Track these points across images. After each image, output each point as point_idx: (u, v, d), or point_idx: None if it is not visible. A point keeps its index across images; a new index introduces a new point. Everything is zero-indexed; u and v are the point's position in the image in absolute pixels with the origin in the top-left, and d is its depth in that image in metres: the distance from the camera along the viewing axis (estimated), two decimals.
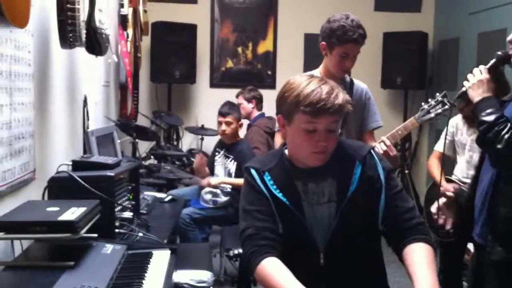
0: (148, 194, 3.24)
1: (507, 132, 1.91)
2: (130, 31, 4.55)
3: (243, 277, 3.59)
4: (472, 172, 3.18)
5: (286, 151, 1.84)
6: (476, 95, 2.06)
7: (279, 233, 1.72)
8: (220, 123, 4.07)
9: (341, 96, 1.68)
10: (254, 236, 1.71)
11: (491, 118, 1.97)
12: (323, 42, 2.75)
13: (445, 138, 3.06)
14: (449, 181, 3.31)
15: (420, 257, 1.66)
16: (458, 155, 3.34)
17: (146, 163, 4.55)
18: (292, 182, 1.76)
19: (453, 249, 3.27)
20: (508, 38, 2.03)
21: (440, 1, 6.40)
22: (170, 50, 5.82)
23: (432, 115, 2.71)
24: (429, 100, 2.72)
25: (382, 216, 1.74)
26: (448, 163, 3.44)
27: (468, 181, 3.19)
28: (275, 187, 1.75)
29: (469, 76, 2.10)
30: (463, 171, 3.29)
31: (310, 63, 5.41)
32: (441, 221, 2.89)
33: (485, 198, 2.11)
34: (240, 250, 3.26)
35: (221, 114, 4.08)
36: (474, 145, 3.18)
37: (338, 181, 1.74)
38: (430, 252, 1.69)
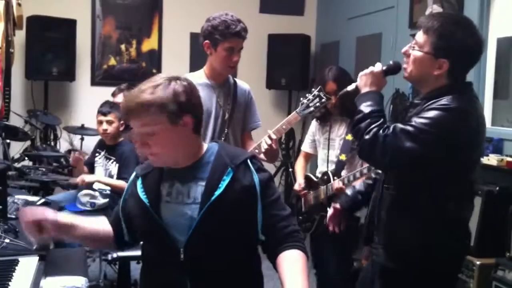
0: (19, 198, 3.02)
1: (377, 126, 1.96)
2: (1, 25, 4.24)
3: (123, 280, 3.48)
4: (324, 169, 3.34)
5: None
6: (363, 85, 2.10)
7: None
8: (100, 122, 3.88)
9: (142, 97, 1.62)
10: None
11: (367, 109, 2.01)
12: (206, 41, 2.73)
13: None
14: (306, 177, 3.47)
15: (292, 264, 1.68)
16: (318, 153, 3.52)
17: (19, 165, 4.26)
18: (158, 185, 1.78)
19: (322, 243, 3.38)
20: (403, 50, 2.09)
21: (321, 5, 6.62)
22: (47, 46, 5.53)
23: (312, 108, 2.78)
24: (307, 94, 2.79)
25: (261, 226, 1.75)
26: (313, 160, 3.64)
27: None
28: (142, 189, 1.79)
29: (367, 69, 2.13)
30: (319, 167, 3.45)
31: (196, 62, 5.36)
32: None
33: (375, 201, 2.19)
34: (119, 254, 3.20)
35: (102, 113, 3.88)
36: (327, 143, 3.34)
37: (206, 184, 1.73)
38: (302, 259, 1.70)
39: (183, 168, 1.76)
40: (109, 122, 3.86)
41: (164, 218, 1.74)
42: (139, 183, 1.81)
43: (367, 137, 1.95)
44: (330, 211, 2.59)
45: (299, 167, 3.60)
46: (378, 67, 2.11)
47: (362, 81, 2.11)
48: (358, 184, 2.60)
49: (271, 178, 1.82)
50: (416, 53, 2.02)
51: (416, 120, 1.93)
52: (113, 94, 4.72)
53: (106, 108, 3.91)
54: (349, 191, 2.58)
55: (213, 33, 2.68)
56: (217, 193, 1.69)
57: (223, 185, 1.70)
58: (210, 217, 1.69)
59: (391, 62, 2.15)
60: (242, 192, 1.72)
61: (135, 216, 1.82)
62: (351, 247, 3.34)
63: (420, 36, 2.01)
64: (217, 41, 2.69)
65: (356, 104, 2.10)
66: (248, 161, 1.77)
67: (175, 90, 1.63)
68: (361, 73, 2.14)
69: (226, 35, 2.66)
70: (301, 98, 2.84)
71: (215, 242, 1.71)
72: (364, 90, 2.09)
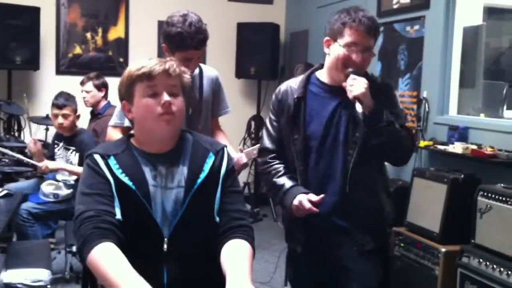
0: None
1: (402, 125, 2.17)
2: None
3: (88, 272, 3.41)
4: None
5: (132, 140, 1.78)
6: (370, 100, 2.08)
7: (118, 219, 1.63)
8: (55, 115, 3.75)
9: (175, 63, 1.72)
10: (95, 218, 1.59)
11: (392, 117, 2.12)
12: (164, 45, 2.61)
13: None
14: None
15: (235, 253, 1.64)
16: None
17: None
18: (139, 168, 1.70)
19: None
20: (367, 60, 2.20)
21: None
22: (10, 34, 5.40)
23: None
24: None
25: (217, 209, 1.74)
26: None
27: None
28: (120, 171, 1.67)
29: (353, 82, 2.09)
30: None
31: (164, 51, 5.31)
32: None
33: (343, 191, 2.15)
34: None
35: (57, 106, 3.74)
36: None
37: (189, 167, 1.73)
38: (249, 250, 1.67)
39: (162, 153, 1.73)
40: (65, 116, 3.74)
41: (154, 204, 1.67)
42: (112, 163, 1.68)
43: (412, 138, 2.23)
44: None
45: None
46: (364, 82, 2.09)
47: (370, 100, 2.09)
48: None
49: (235, 171, 1.87)
50: (371, 54, 2.19)
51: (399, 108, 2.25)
52: (82, 83, 4.63)
53: (62, 100, 3.76)
54: None
55: (169, 41, 2.55)
56: (203, 176, 1.71)
57: (206, 168, 1.73)
58: (195, 201, 1.69)
59: (351, 69, 2.14)
60: (216, 175, 1.75)
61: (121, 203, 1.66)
62: None
63: (368, 40, 2.14)
64: (174, 49, 2.56)
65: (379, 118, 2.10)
66: (225, 148, 1.82)
67: None
68: (363, 96, 2.07)
69: (181, 48, 2.53)
70: None
71: (198, 228, 1.70)
72: (373, 103, 2.09)
